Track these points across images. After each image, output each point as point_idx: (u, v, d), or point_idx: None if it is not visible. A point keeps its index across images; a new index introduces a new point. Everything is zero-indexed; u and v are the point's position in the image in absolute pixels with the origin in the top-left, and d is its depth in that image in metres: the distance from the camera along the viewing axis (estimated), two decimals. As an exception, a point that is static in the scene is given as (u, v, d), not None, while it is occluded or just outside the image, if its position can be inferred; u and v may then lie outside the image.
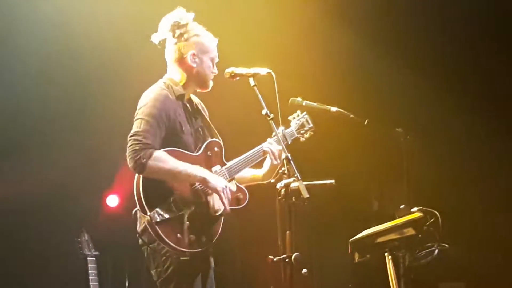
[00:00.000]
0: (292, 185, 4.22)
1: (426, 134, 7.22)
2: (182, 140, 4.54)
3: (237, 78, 4.60)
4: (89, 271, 6.58)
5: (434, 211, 5.18)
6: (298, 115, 4.94)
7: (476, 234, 7.19)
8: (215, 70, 4.69)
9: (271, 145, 4.66)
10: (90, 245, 6.73)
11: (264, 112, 4.39)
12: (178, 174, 4.40)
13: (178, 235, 4.36)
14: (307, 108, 5.00)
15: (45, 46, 6.89)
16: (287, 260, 4.15)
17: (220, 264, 4.82)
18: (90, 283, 6.53)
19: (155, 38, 4.67)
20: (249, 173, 4.79)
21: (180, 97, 4.61)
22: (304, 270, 4.16)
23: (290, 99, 5.00)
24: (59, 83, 7.07)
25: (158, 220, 4.34)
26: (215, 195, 4.49)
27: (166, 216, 4.36)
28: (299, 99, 5.01)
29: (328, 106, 5.14)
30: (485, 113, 7.28)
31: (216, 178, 4.50)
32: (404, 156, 6.04)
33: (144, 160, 4.31)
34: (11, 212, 7.03)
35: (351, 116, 5.19)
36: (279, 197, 4.25)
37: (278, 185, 4.29)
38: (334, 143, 5.04)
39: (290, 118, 4.93)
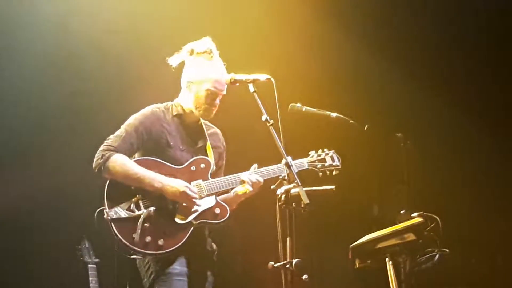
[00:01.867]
0: (292, 191, 4.23)
1: (426, 139, 7.22)
2: (168, 153, 4.73)
3: (237, 84, 4.66)
4: (90, 279, 6.58)
5: (434, 216, 5.18)
6: (322, 151, 4.97)
7: (476, 238, 7.18)
8: (217, 102, 4.80)
9: (251, 175, 4.73)
10: (91, 252, 6.72)
11: (264, 118, 4.41)
12: (134, 178, 4.56)
13: (133, 234, 4.49)
14: (307, 114, 5.00)
15: (44, 48, 6.89)
16: (287, 266, 4.16)
17: (221, 270, 4.82)
18: (91, 291, 6.53)
19: (172, 61, 4.88)
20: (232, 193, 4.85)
21: (177, 116, 4.83)
22: (305, 276, 4.17)
23: (290, 105, 5.00)
24: (61, 87, 7.05)
25: (114, 217, 4.52)
26: (184, 203, 4.60)
27: (123, 215, 4.52)
28: (298, 105, 5.01)
29: (328, 112, 5.14)
30: (485, 118, 7.28)
31: (175, 185, 4.57)
32: (404, 161, 6.04)
33: (102, 160, 4.59)
34: (10, 219, 7.01)
35: (351, 121, 5.19)
36: (280, 203, 4.26)
37: (279, 191, 4.31)
38: (333, 148, 5.02)
39: (311, 152, 4.97)
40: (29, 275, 7.15)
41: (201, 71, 4.79)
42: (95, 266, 6.66)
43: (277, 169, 4.76)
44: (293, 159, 4.55)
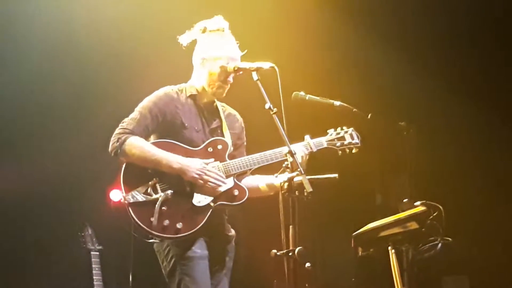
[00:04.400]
0: (295, 179, 4.21)
1: (429, 128, 7.21)
2: (184, 135, 4.65)
3: (240, 72, 4.64)
4: (93, 266, 6.59)
5: (437, 204, 5.18)
6: (341, 129, 4.88)
7: (479, 227, 7.18)
8: (230, 80, 4.71)
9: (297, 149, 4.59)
10: (94, 239, 6.73)
11: (267, 106, 4.38)
12: (151, 160, 4.50)
13: (151, 218, 4.43)
14: (310, 102, 4.99)
15: (46, 40, 6.89)
16: (290, 254, 4.15)
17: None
18: (94, 278, 6.53)
19: (183, 39, 4.80)
20: (262, 181, 4.78)
21: (191, 97, 4.75)
22: (308, 264, 4.16)
23: (293, 93, 4.98)
24: (62, 77, 7.07)
25: (132, 201, 4.46)
26: (201, 186, 4.54)
27: (141, 198, 4.47)
28: (302, 93, 4.99)
29: (331, 100, 5.11)
30: (488, 106, 7.26)
31: (193, 165, 4.51)
32: (407, 150, 6.04)
33: (118, 143, 4.51)
34: (14, 207, 7.03)
35: (354, 110, 5.17)
36: (283, 191, 4.24)
37: (281, 180, 4.29)
38: (337, 137, 5.01)
39: (329, 130, 4.89)
40: (32, 263, 7.18)
41: (215, 48, 4.72)
42: (98, 253, 6.67)
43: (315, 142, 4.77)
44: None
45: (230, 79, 4.72)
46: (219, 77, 4.70)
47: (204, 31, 4.78)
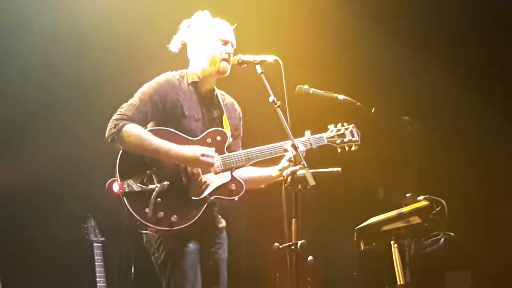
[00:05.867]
0: (298, 172, 4.21)
1: (432, 123, 7.20)
2: (183, 124, 4.60)
3: (244, 65, 4.62)
4: (95, 257, 6.60)
5: (440, 199, 5.18)
6: (342, 125, 4.85)
7: (482, 222, 7.18)
8: (228, 50, 4.68)
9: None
10: (97, 231, 6.74)
11: (271, 99, 4.38)
12: (149, 149, 4.43)
13: (146, 209, 4.38)
14: (314, 96, 4.98)
15: (47, 37, 6.90)
16: (293, 247, 4.16)
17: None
18: (96, 269, 6.54)
19: (173, 46, 4.77)
20: (259, 172, 4.75)
21: (192, 84, 4.70)
22: (310, 258, 4.17)
23: (297, 86, 4.97)
24: (64, 70, 7.07)
25: (126, 191, 4.39)
26: (198, 178, 4.51)
27: (136, 188, 4.41)
28: (306, 86, 4.98)
29: (335, 94, 5.11)
30: (492, 99, 7.25)
31: (191, 153, 4.46)
32: (411, 144, 6.03)
33: (116, 130, 4.43)
34: (17, 199, 7.03)
35: (358, 104, 5.17)
36: (285, 185, 4.24)
37: (285, 173, 4.29)
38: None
39: (329, 126, 4.86)
40: (35, 254, 7.19)
41: (206, 29, 4.70)
42: (100, 245, 6.67)
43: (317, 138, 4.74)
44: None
45: (231, 49, 4.69)
46: (220, 52, 4.66)
47: (189, 26, 4.75)
